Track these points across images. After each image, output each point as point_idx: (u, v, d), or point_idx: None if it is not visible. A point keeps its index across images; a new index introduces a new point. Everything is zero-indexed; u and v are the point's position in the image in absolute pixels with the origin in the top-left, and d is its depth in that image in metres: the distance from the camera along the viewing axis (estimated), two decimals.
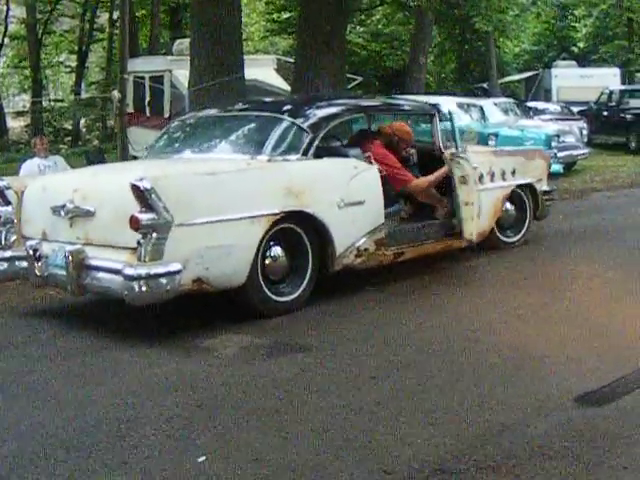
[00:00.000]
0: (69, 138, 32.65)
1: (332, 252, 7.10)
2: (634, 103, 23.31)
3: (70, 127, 33.79)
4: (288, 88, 16.58)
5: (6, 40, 36.39)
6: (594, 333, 6.07)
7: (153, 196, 5.90)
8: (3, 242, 7.15)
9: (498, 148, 12.93)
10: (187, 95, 13.32)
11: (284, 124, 7.39)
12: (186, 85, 13.57)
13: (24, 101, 41.22)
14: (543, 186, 9.60)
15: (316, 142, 7.32)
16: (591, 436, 4.25)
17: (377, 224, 7.44)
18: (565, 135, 17.75)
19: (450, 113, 9.11)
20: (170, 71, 18.17)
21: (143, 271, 5.89)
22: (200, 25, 12.52)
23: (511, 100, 21.98)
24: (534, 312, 6.68)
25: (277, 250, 6.84)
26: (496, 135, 16.72)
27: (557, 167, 16.11)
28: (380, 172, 7.63)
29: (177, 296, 6.12)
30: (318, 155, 7.31)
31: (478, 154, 8.79)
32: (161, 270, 5.93)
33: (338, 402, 4.83)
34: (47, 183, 7.32)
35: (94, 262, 6.33)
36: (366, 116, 8.82)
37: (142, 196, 5.91)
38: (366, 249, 7.37)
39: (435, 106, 9.03)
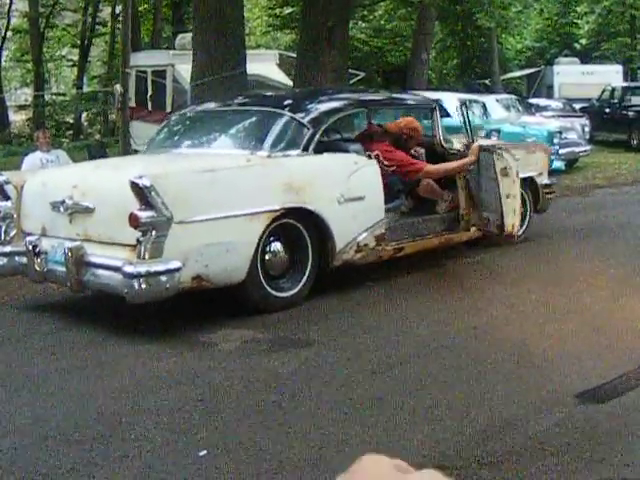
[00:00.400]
0: (71, 132, 32.60)
1: (332, 247, 7.09)
2: (636, 100, 23.27)
3: (72, 121, 33.73)
4: (290, 83, 16.55)
5: (9, 34, 36.35)
6: (596, 330, 6.07)
7: (152, 194, 5.89)
8: (3, 237, 7.13)
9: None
10: (189, 90, 13.31)
11: (284, 119, 7.38)
12: (188, 80, 13.54)
13: (26, 95, 41.17)
14: (544, 179, 9.59)
15: (316, 137, 7.30)
16: (592, 433, 4.26)
17: (377, 219, 7.43)
18: (567, 132, 17.72)
19: (465, 105, 9.02)
20: (172, 66, 18.15)
21: (143, 269, 5.89)
22: (202, 20, 12.52)
23: (513, 96, 21.93)
24: (535, 308, 6.68)
25: (277, 246, 6.84)
26: (498, 131, 16.69)
27: (559, 164, 16.09)
28: (391, 170, 7.61)
29: (177, 293, 6.12)
30: (318, 150, 7.30)
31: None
32: (161, 268, 5.93)
33: (339, 397, 4.83)
34: (46, 178, 7.30)
35: (93, 259, 6.33)
36: (367, 111, 8.80)
37: (141, 194, 5.90)
38: (366, 244, 7.36)
39: (436, 101, 9.01)
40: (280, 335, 6.17)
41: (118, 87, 14.23)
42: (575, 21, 42.37)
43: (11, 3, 34.68)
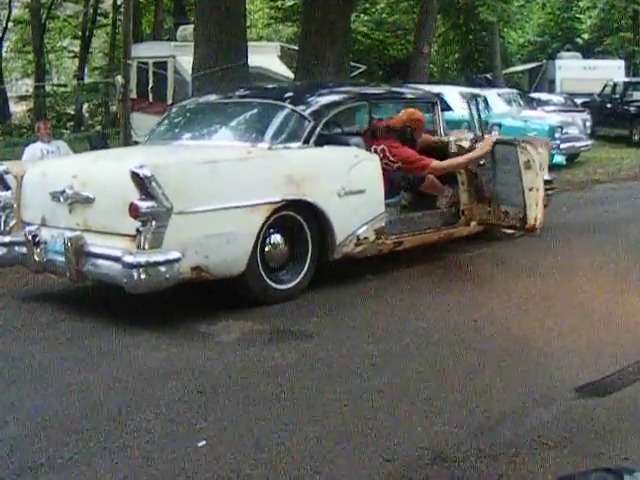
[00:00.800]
0: (72, 123, 32.55)
1: (332, 240, 7.09)
2: (638, 96, 23.26)
3: (73, 112, 33.68)
4: (291, 76, 16.53)
5: (10, 24, 36.30)
6: (595, 324, 6.07)
7: (153, 184, 5.88)
8: (2, 227, 7.12)
9: None
10: (190, 81, 13.30)
11: (285, 112, 7.37)
12: (189, 71, 13.53)
13: (27, 85, 41.11)
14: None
15: (317, 130, 7.29)
16: (591, 426, 4.26)
17: (377, 213, 7.42)
18: (568, 127, 17.72)
19: (476, 100, 8.95)
20: (174, 57, 18.14)
21: (142, 259, 5.88)
22: (204, 11, 12.50)
23: (515, 91, 21.92)
24: (535, 303, 6.68)
25: (277, 238, 6.83)
26: (500, 125, 16.67)
27: (560, 159, 16.10)
28: (396, 167, 7.60)
29: (176, 284, 6.12)
30: (319, 143, 7.29)
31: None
32: (160, 258, 5.93)
33: (338, 389, 4.83)
34: (46, 168, 7.30)
35: (93, 249, 6.33)
36: (368, 104, 8.76)
37: (142, 184, 5.90)
38: (366, 238, 7.35)
39: (438, 94, 8.99)
40: (279, 327, 6.18)
41: (119, 78, 14.20)
42: (577, 16, 42.32)
43: None
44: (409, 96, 9.22)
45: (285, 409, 4.56)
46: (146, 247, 5.92)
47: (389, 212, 7.64)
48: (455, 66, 39.44)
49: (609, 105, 24.06)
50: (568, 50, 36.06)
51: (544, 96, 24.28)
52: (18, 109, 36.67)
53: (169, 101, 17.63)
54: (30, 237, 6.75)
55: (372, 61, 32.45)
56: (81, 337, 6.02)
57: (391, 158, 7.79)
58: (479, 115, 8.37)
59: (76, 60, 38.13)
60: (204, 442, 4.14)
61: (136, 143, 14.32)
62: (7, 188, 7.14)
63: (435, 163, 8.00)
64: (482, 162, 8.04)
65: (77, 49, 37.54)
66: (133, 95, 18.04)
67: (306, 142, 7.19)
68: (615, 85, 24.70)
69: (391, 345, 5.65)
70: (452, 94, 15.53)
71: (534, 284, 7.26)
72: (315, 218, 6.99)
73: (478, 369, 5.15)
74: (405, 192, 8.31)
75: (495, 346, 5.59)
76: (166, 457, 4.00)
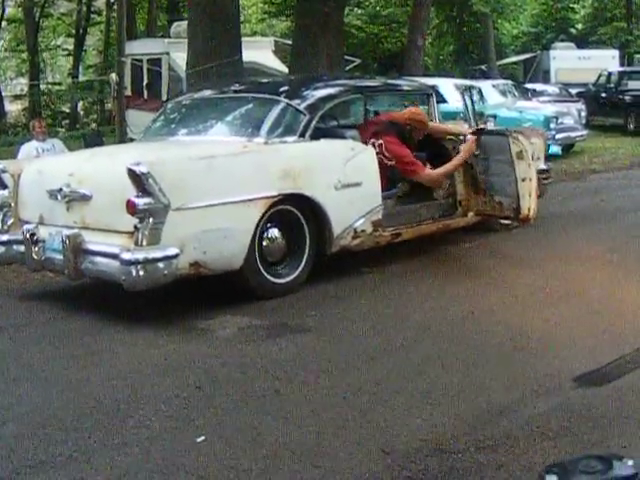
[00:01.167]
0: (67, 121, 32.57)
1: (329, 233, 7.09)
2: (632, 85, 23.28)
3: (68, 110, 33.70)
4: (286, 70, 16.54)
5: (3, 23, 36.22)
6: (592, 314, 6.08)
7: (150, 180, 5.88)
8: (0, 226, 7.13)
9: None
10: (185, 78, 13.29)
11: (280, 106, 7.37)
12: (184, 68, 13.53)
13: (22, 84, 41.01)
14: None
15: (313, 124, 7.29)
16: (590, 416, 4.26)
17: (374, 205, 7.42)
18: (563, 117, 17.72)
19: (470, 89, 8.92)
20: (168, 54, 18.13)
21: (140, 256, 5.89)
22: (198, 7, 12.48)
23: (509, 82, 21.91)
24: (532, 293, 6.69)
25: (274, 232, 6.83)
26: (495, 116, 16.65)
27: (555, 149, 16.10)
28: (389, 164, 7.60)
29: (175, 280, 6.12)
30: (315, 137, 7.29)
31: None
32: (158, 254, 5.93)
33: (337, 382, 4.84)
34: (43, 166, 7.30)
35: (91, 246, 6.33)
36: (364, 97, 8.74)
37: (139, 180, 5.89)
38: (363, 230, 7.35)
39: (433, 87, 8.99)
40: (278, 321, 6.18)
41: (114, 76, 14.24)
42: (571, 6, 42.30)
43: None
44: (404, 88, 9.23)
45: (284, 403, 4.57)
46: (144, 244, 5.92)
47: (386, 204, 7.64)
48: (450, 58, 39.44)
49: (604, 95, 24.06)
50: (562, 40, 36.09)
51: (539, 87, 24.28)
52: (13, 108, 36.67)
53: (164, 97, 17.61)
54: (28, 235, 6.75)
55: (367, 54, 32.44)
56: (79, 334, 6.02)
57: (386, 154, 7.78)
58: (473, 107, 8.35)
59: (70, 58, 38.12)
60: (203, 437, 4.14)
61: (132, 140, 14.33)
62: (4, 187, 7.14)
63: (426, 172, 8.02)
64: (476, 153, 8.04)
65: (71, 47, 37.52)
66: (128, 92, 18.02)
67: (302, 136, 7.19)
68: (609, 75, 24.71)
69: (389, 338, 5.66)
70: (447, 86, 15.51)
71: (531, 274, 7.26)
72: (312, 212, 7.00)
73: (476, 360, 5.15)
74: (402, 183, 8.29)
75: (493, 337, 5.60)
76: (165, 453, 4.00)
